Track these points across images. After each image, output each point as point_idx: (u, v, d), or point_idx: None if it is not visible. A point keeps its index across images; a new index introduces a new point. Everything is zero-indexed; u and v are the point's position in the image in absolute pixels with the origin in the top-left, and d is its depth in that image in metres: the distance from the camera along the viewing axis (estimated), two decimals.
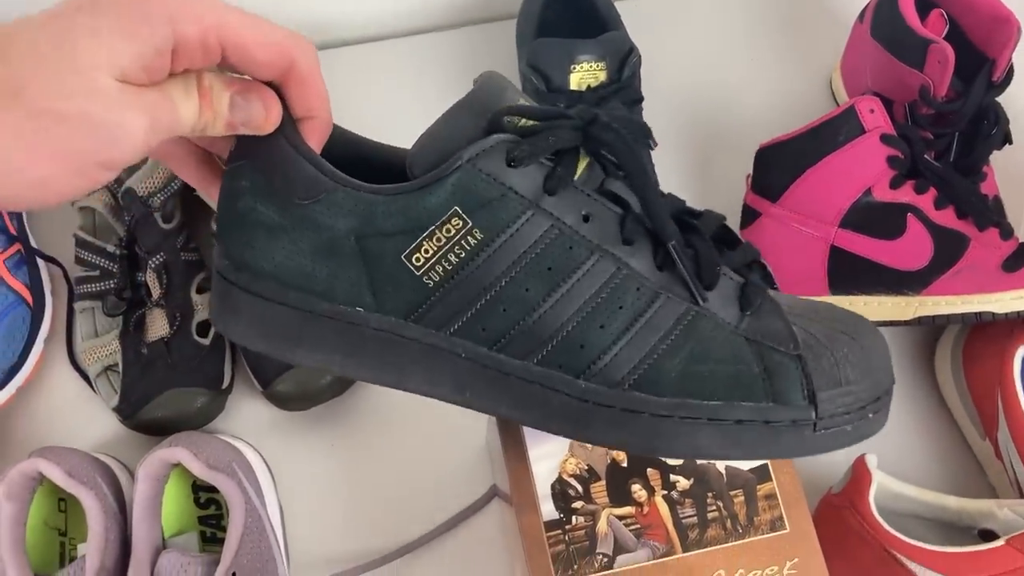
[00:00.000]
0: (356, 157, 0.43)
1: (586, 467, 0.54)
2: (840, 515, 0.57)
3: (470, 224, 0.39)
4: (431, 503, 0.65)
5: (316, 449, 0.67)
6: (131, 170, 0.66)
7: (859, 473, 0.57)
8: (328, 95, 0.40)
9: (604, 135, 0.40)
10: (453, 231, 0.39)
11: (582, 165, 0.41)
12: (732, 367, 0.42)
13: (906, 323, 0.62)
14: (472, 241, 0.39)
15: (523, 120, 0.40)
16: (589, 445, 0.54)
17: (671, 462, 0.54)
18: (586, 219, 0.40)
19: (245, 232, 0.40)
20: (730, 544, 0.52)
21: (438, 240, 0.39)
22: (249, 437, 0.67)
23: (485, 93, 0.40)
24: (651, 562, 0.52)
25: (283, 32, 0.37)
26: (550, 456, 0.54)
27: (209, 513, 0.63)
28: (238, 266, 0.41)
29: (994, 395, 0.61)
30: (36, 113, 0.31)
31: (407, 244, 0.39)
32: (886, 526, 0.55)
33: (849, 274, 0.63)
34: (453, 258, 0.39)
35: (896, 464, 0.64)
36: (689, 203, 0.60)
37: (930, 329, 0.70)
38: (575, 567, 0.52)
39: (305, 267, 0.40)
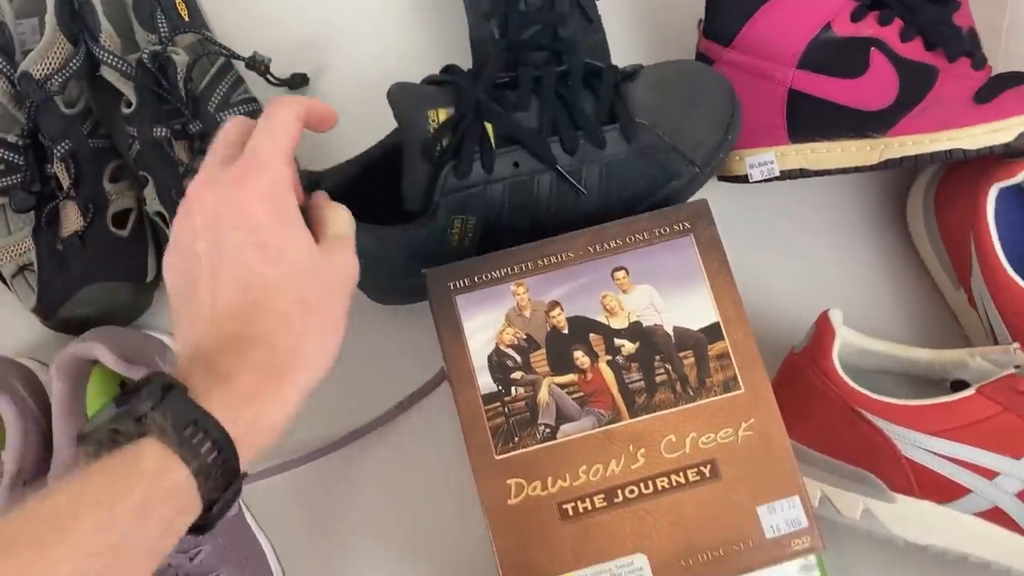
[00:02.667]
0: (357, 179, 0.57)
1: (524, 336, 0.50)
2: (803, 374, 0.54)
3: (465, 216, 0.53)
4: (382, 389, 0.62)
5: None
6: (25, 52, 0.60)
7: (821, 329, 0.53)
8: None
9: (490, 108, 0.53)
10: (459, 224, 0.54)
11: (491, 130, 0.53)
12: (642, 177, 0.54)
13: (872, 168, 0.58)
14: (472, 220, 0.54)
15: (435, 120, 0.53)
16: (528, 313, 0.50)
17: (614, 325, 0.50)
18: (516, 165, 0.53)
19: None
20: (680, 408, 0.49)
21: (456, 229, 0.54)
22: None
23: (408, 128, 0.53)
24: (596, 430, 0.49)
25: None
26: (486, 327, 0.50)
27: None
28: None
29: (967, 239, 0.57)
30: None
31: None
32: (850, 382, 0.52)
33: (810, 119, 0.58)
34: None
35: (865, 319, 0.60)
36: (642, 56, 0.57)
37: (901, 177, 0.65)
38: (516, 440, 0.48)
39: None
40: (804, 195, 0.66)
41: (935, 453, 0.50)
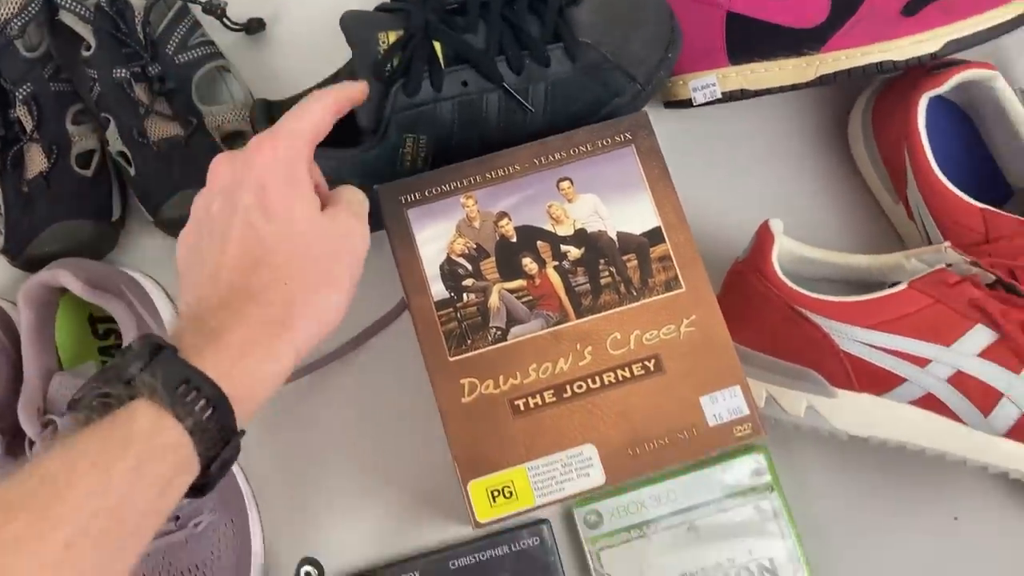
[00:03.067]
0: None
1: (475, 246, 0.52)
2: (745, 280, 0.56)
3: (416, 135, 0.56)
4: (346, 317, 0.63)
5: None
6: None
7: (761, 236, 0.56)
8: None
9: (439, 28, 0.55)
10: (410, 143, 0.56)
11: (439, 49, 0.55)
12: (586, 94, 0.56)
13: (808, 84, 0.60)
14: (423, 139, 0.56)
15: (385, 41, 0.55)
16: (477, 224, 0.52)
17: (560, 232, 0.52)
18: (464, 84, 0.56)
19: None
20: (625, 307, 0.51)
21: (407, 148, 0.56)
22: (148, 271, 0.64)
23: (359, 50, 0.55)
24: (545, 331, 0.51)
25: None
26: (437, 238, 0.52)
27: (109, 343, 0.61)
28: None
29: (902, 151, 0.60)
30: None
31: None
32: (789, 283, 0.54)
33: (748, 40, 0.60)
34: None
35: (810, 237, 0.63)
36: None
37: (842, 101, 0.68)
38: (468, 342, 0.50)
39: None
40: (750, 120, 0.68)
41: (871, 345, 0.53)
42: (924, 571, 0.59)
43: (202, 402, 0.38)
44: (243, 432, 0.41)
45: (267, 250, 0.43)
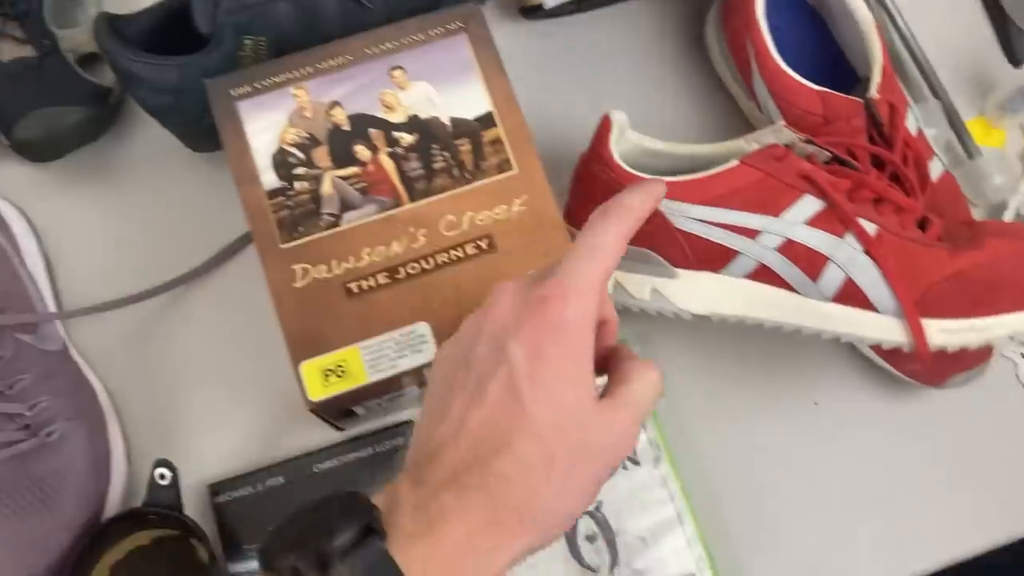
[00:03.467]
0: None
1: (307, 135, 0.52)
2: (588, 170, 0.57)
3: (255, 37, 0.55)
4: (204, 237, 0.63)
5: (76, 205, 0.64)
6: None
7: (601, 126, 0.56)
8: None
9: None
10: (250, 45, 0.56)
11: None
12: None
13: None
14: (262, 41, 0.56)
15: None
16: (309, 114, 0.52)
17: (393, 120, 0.53)
18: None
19: None
20: (458, 190, 0.52)
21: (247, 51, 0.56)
22: (5, 195, 0.64)
23: None
24: (379, 216, 0.51)
25: None
26: (268, 128, 0.52)
27: None
28: None
29: (745, 42, 0.61)
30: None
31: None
32: (625, 167, 0.55)
33: None
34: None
35: (671, 133, 0.64)
36: None
37: (699, 3, 0.69)
38: (301, 229, 0.51)
39: None
40: (612, 28, 0.69)
41: (704, 221, 0.54)
42: (787, 456, 0.60)
43: None
44: None
45: (519, 432, 0.36)
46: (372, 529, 0.34)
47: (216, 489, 0.59)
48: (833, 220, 0.52)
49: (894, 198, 0.53)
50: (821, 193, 0.52)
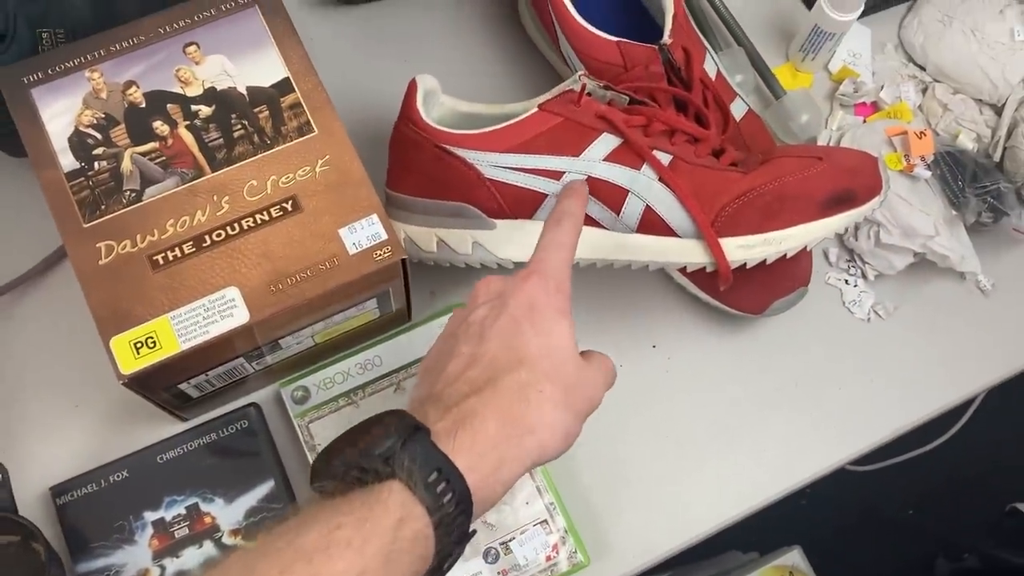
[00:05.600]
0: None
1: (103, 115, 0.52)
2: (400, 133, 0.58)
3: (52, 29, 0.55)
4: (38, 239, 0.62)
5: None
6: None
7: (408, 90, 0.58)
8: None
9: None
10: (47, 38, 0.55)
11: None
12: None
13: None
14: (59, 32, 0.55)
15: None
16: (104, 95, 0.52)
17: (190, 94, 0.53)
18: None
19: None
20: (260, 156, 0.52)
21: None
22: None
23: None
24: (181, 187, 0.51)
25: None
26: (64, 113, 0.52)
27: None
28: None
29: (548, 6, 0.63)
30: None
31: None
32: (433, 124, 0.56)
33: None
34: None
35: (491, 99, 0.66)
36: None
37: None
38: (102, 207, 0.51)
39: None
40: (425, 10, 0.70)
41: (510, 168, 0.55)
42: (631, 399, 0.61)
43: (450, 495, 0.37)
44: (475, 532, 0.40)
45: (531, 353, 0.43)
46: (417, 427, 0.38)
47: (58, 490, 0.58)
48: (630, 154, 0.54)
49: (687, 129, 0.55)
50: (616, 130, 0.54)
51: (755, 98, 0.69)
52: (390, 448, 0.37)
